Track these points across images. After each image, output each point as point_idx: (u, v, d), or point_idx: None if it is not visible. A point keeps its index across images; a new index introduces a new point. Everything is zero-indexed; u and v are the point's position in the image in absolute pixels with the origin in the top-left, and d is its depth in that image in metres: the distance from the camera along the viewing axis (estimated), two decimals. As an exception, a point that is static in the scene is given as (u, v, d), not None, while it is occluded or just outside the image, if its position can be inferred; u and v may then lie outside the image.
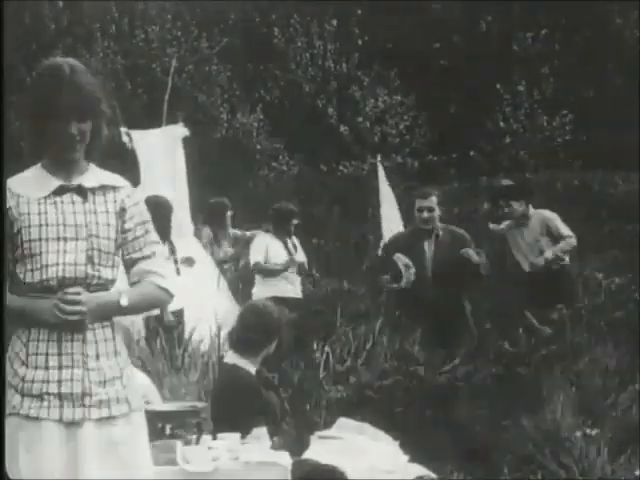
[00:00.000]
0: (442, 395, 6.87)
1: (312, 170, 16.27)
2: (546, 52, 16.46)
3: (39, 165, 3.24)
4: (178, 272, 8.48)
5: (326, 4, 17.22)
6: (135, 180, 9.33)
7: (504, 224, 8.92)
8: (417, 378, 6.92)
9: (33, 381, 3.10)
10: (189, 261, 8.77)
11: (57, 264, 3.14)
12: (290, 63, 16.96)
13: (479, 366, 7.41)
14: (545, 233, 8.62)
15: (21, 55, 13.80)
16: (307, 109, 16.87)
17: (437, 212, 7.96)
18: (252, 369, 5.12)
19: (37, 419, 3.09)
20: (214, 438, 4.59)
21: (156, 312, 8.23)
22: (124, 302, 3.19)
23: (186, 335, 7.90)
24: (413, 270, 7.76)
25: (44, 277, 3.13)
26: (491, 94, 15.98)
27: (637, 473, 6.01)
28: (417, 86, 16.52)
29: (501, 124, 16.16)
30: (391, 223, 10.16)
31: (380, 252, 8.34)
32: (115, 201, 3.27)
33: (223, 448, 4.39)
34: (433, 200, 7.97)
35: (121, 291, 3.25)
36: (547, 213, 8.78)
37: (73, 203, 3.21)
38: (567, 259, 8.70)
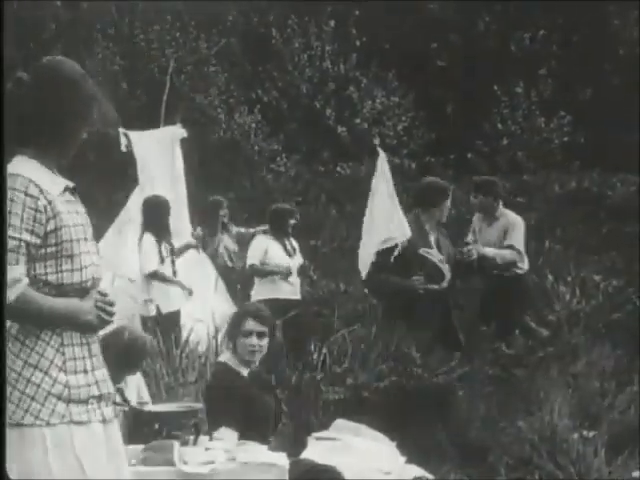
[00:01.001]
0: (439, 396, 6.87)
1: (309, 171, 16.25)
2: (544, 53, 16.44)
3: (26, 157, 3.13)
4: (175, 274, 8.50)
5: (324, 5, 17.22)
6: (133, 181, 9.35)
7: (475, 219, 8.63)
8: (414, 379, 6.91)
9: (79, 386, 3.09)
10: (180, 250, 8.70)
11: (92, 265, 3.16)
12: (288, 64, 16.94)
13: (476, 367, 7.40)
14: (503, 239, 8.16)
15: (21, 55, 13.78)
16: (305, 110, 16.85)
17: None
18: (244, 370, 5.09)
19: (85, 423, 3.09)
20: (211, 439, 4.59)
21: (154, 313, 8.26)
22: None
23: (184, 336, 7.90)
24: (447, 266, 7.35)
25: (84, 278, 3.13)
26: (489, 95, 15.96)
27: (635, 475, 6.01)
28: (415, 87, 16.51)
29: (499, 125, 16.14)
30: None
31: (375, 256, 7.70)
32: (81, 202, 3.30)
33: (220, 449, 4.39)
34: None
35: None
36: (515, 220, 8.27)
37: (74, 203, 3.22)
38: (525, 267, 8.26)
